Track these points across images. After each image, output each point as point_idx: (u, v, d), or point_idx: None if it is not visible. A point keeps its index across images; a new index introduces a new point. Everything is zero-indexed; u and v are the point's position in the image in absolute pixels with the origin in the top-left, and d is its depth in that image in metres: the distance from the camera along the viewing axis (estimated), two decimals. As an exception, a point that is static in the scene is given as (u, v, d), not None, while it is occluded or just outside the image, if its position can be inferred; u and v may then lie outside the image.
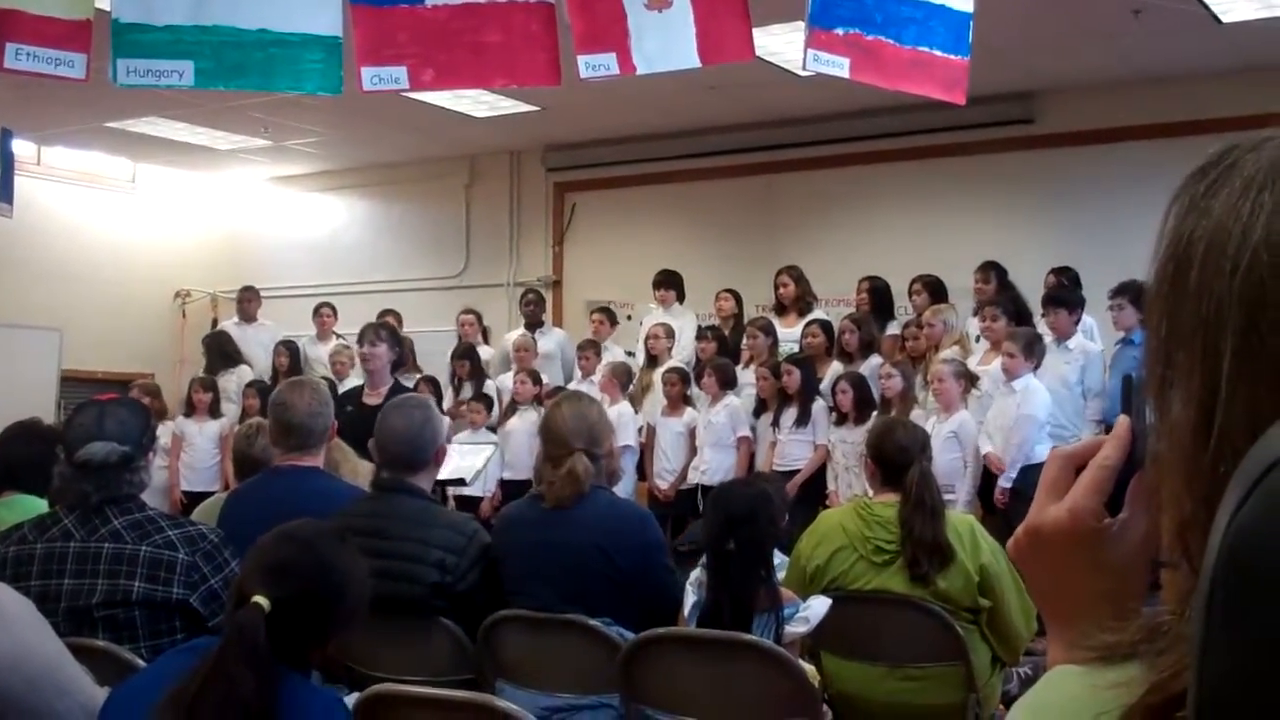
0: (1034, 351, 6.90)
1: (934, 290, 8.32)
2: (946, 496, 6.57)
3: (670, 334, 8.94)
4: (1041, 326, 7.44)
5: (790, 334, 8.47)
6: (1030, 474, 6.45)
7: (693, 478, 8.08)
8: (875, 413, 7.16)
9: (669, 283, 9.46)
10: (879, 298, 8.64)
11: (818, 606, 3.49)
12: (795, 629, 3.39)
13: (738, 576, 3.40)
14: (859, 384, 7.46)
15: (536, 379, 8.77)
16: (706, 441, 8.01)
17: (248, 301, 10.93)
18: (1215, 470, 0.61)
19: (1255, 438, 0.59)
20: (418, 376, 9.24)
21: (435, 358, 9.75)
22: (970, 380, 7.10)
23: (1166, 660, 0.61)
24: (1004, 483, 6.69)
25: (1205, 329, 0.62)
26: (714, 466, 7.84)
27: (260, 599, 2.11)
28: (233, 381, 9.90)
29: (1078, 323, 7.35)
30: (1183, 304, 0.64)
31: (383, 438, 3.82)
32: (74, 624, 2.94)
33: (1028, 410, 6.72)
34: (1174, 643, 0.61)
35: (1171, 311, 0.65)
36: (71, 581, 3.03)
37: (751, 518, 3.46)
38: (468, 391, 9.14)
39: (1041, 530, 0.82)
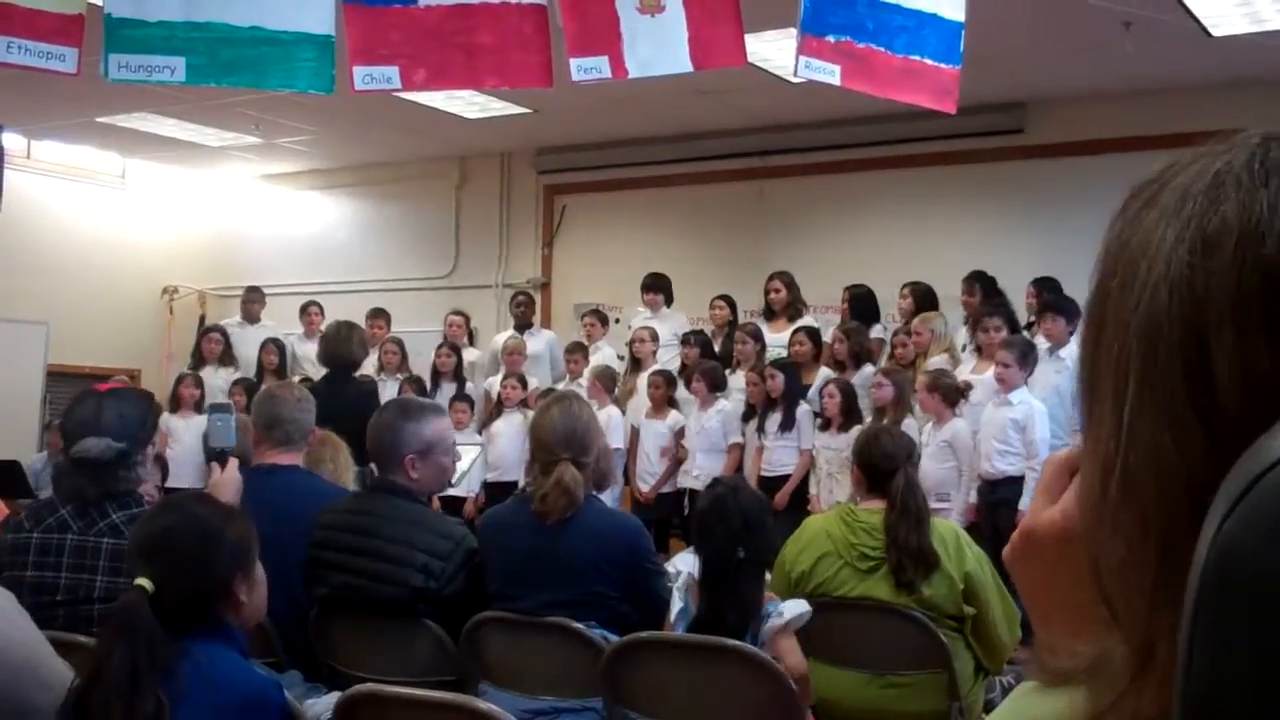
0: (1028, 360, 6.84)
1: (922, 297, 8.30)
2: (941, 505, 6.59)
3: (655, 337, 8.92)
4: (1036, 335, 7.43)
5: (779, 339, 8.45)
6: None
7: (683, 481, 8.08)
8: (868, 421, 7.09)
9: (656, 286, 9.44)
10: (861, 305, 8.62)
11: (793, 604, 3.43)
12: (771, 623, 3.33)
13: (745, 584, 3.34)
14: (847, 390, 7.43)
15: (524, 383, 8.77)
16: (699, 446, 8.00)
17: (253, 303, 10.82)
18: (1117, 511, 0.60)
19: (1158, 477, 0.58)
20: (402, 378, 9.22)
21: (422, 358, 9.72)
22: (958, 392, 7.03)
23: (1094, 697, 0.60)
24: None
25: (1117, 365, 0.61)
26: (706, 471, 7.76)
27: (142, 581, 2.17)
28: (220, 379, 9.82)
29: (1073, 332, 7.31)
30: (1102, 338, 0.63)
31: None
32: (72, 619, 2.93)
33: (1039, 435, 6.59)
34: (1107, 678, 0.60)
35: (1094, 345, 0.65)
36: (70, 576, 3.01)
37: (762, 525, 3.42)
38: (447, 391, 9.10)
39: (1035, 532, 0.82)
